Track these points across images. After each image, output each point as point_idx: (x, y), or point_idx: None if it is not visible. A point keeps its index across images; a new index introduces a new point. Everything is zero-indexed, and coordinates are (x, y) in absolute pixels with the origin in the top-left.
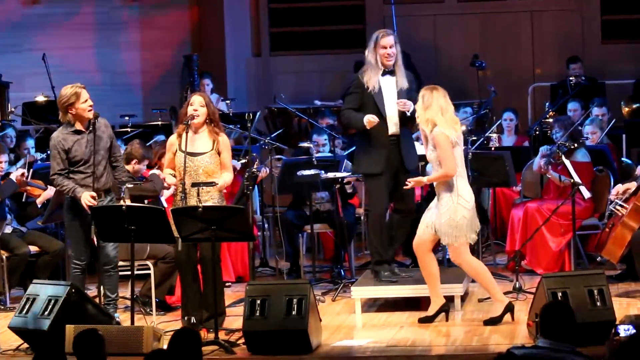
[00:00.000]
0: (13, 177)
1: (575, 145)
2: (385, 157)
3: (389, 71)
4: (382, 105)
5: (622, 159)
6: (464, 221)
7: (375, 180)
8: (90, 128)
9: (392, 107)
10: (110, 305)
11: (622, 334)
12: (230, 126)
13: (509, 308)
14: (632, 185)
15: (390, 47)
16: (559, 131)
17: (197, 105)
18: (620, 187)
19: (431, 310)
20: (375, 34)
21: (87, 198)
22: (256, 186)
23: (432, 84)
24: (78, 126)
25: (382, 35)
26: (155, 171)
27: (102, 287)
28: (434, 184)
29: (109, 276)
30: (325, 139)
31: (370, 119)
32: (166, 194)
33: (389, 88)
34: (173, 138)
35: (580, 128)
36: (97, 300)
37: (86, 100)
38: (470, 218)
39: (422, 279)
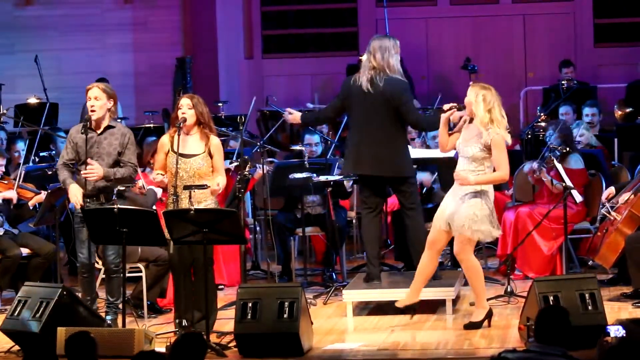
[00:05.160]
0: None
1: (568, 149)
2: None
3: None
4: None
5: (613, 162)
6: (484, 218)
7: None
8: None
9: None
10: (110, 308)
11: (612, 334)
12: (223, 129)
13: (489, 314)
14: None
15: None
16: (552, 133)
17: (185, 108)
18: (612, 190)
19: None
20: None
21: (72, 193)
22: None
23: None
24: (94, 125)
25: None
26: (152, 187)
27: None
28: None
29: (109, 280)
30: (318, 140)
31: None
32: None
33: None
34: (165, 138)
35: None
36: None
37: (89, 98)
38: (489, 216)
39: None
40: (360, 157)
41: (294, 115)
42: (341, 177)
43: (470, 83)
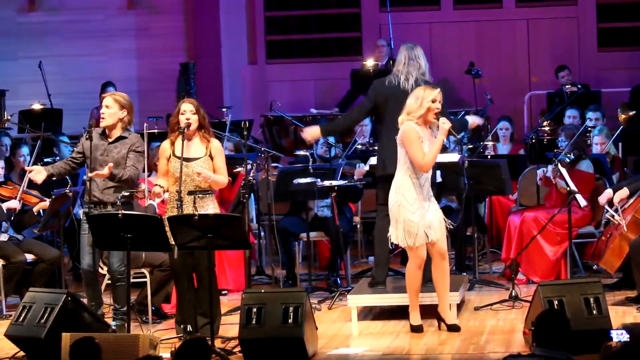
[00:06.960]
0: (4, 206)
1: (574, 153)
2: None
3: None
4: None
5: (625, 169)
6: None
7: None
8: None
9: None
10: (116, 315)
11: (615, 338)
12: (227, 134)
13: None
14: (624, 194)
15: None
16: (564, 140)
17: (189, 113)
18: (610, 193)
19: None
20: None
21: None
22: (252, 194)
23: None
24: (107, 131)
25: None
26: (152, 202)
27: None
28: (430, 183)
29: (114, 288)
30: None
31: None
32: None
33: None
34: (166, 144)
35: (585, 138)
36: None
37: (102, 106)
38: None
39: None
40: (391, 157)
41: (310, 131)
42: (344, 182)
43: (422, 88)
